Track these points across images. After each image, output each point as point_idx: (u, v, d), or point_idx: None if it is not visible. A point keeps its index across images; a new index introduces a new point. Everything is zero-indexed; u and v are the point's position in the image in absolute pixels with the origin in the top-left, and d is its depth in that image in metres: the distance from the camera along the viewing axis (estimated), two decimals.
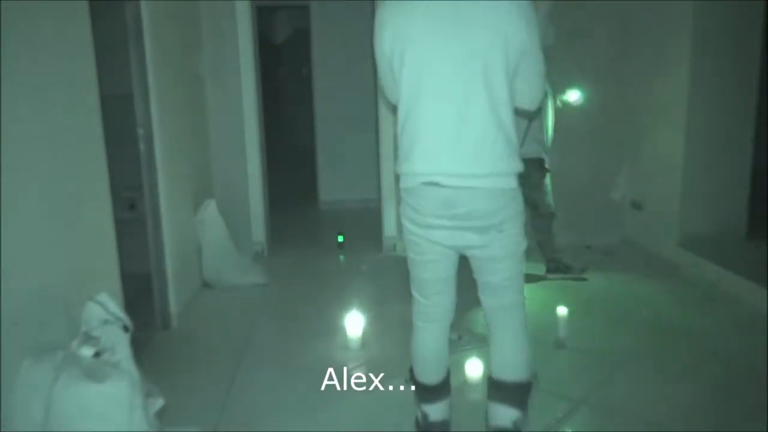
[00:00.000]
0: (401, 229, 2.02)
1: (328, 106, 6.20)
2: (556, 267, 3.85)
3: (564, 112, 4.01)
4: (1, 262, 1.73)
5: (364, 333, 3.02)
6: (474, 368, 2.59)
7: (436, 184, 1.79)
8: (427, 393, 2.05)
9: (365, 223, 5.35)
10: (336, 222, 5.60)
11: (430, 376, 2.04)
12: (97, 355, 1.84)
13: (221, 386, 2.65)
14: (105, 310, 1.97)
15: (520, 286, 1.97)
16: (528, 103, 1.88)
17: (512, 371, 1.96)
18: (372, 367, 2.83)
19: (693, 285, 3.72)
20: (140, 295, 3.17)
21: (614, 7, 4.41)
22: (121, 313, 2.01)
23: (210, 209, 3.96)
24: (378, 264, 4.42)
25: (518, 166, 1.82)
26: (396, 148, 2.00)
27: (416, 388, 2.09)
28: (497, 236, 1.84)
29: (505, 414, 1.96)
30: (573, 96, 3.81)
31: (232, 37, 4.38)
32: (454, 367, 2.69)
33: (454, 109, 1.74)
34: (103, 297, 2.00)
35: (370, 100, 5.53)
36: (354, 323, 2.99)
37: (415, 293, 2.06)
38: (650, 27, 4.34)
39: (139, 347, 2.40)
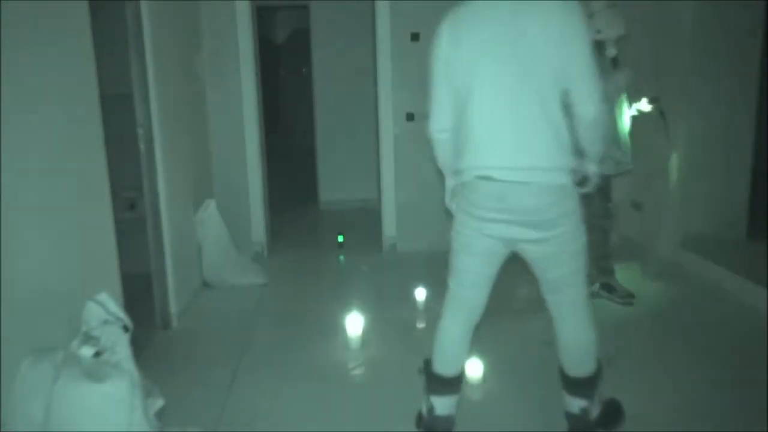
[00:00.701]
0: (453, 221, 2.11)
1: (328, 106, 6.19)
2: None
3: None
4: (1, 262, 1.73)
5: (364, 333, 3.02)
6: (474, 368, 2.59)
7: (489, 178, 1.90)
8: (439, 384, 2.10)
9: (365, 223, 5.35)
10: (336, 222, 5.60)
11: (447, 367, 2.10)
12: (97, 355, 1.84)
13: (221, 386, 2.65)
14: (105, 310, 1.98)
15: (581, 282, 2.02)
16: (588, 102, 1.88)
17: (577, 369, 2.08)
18: (372, 367, 2.83)
19: (693, 285, 3.72)
20: (140, 295, 3.17)
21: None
22: (121, 313, 2.01)
23: (210, 209, 3.96)
24: (378, 264, 4.43)
25: (569, 162, 1.89)
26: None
27: (429, 378, 2.13)
28: (551, 232, 1.90)
29: (573, 403, 2.12)
30: (645, 105, 3.66)
31: (232, 37, 4.38)
32: None
33: (504, 105, 1.86)
34: (103, 297, 2.00)
35: (370, 100, 5.53)
36: (354, 323, 2.99)
37: (451, 284, 2.14)
38: (650, 27, 4.34)
39: (139, 347, 2.40)
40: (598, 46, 3.32)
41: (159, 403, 2.03)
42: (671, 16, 4.09)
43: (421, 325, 3.33)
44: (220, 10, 4.34)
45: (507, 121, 1.86)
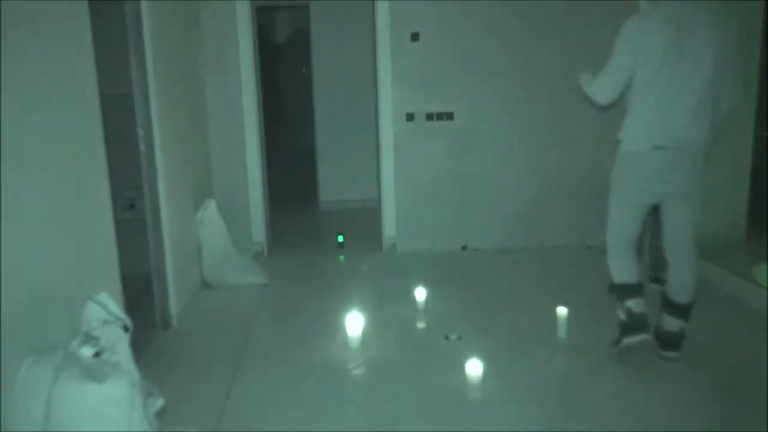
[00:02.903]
0: (613, 181, 2.75)
1: (328, 106, 6.19)
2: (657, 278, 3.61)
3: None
4: (1, 262, 1.73)
5: (364, 333, 3.02)
6: (474, 368, 2.59)
7: (662, 147, 2.55)
8: (629, 290, 2.75)
9: (365, 223, 5.35)
10: (336, 222, 5.60)
11: (630, 276, 2.76)
12: (97, 355, 1.84)
13: (221, 386, 2.65)
14: (105, 310, 1.98)
15: (696, 232, 2.69)
16: (733, 93, 2.60)
17: (685, 295, 2.72)
18: (372, 367, 2.83)
19: None
20: (140, 295, 3.17)
21: (614, 7, 4.41)
22: (121, 313, 2.02)
23: (210, 209, 3.96)
24: (378, 264, 4.43)
25: (712, 136, 2.58)
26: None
27: (619, 291, 2.79)
28: (691, 187, 2.61)
29: (675, 323, 2.74)
30: None
31: (232, 37, 4.38)
32: (454, 369, 2.71)
33: (678, 90, 2.50)
34: (103, 297, 2.00)
35: (370, 100, 5.53)
36: (354, 323, 2.99)
37: (614, 225, 2.78)
38: None
39: (139, 347, 2.41)
40: None
41: (159, 403, 2.03)
42: None
43: (421, 325, 3.33)
44: (220, 10, 4.34)
45: (680, 103, 2.50)
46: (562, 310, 3.06)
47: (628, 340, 2.72)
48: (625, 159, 2.68)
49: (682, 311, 2.73)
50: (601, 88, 2.68)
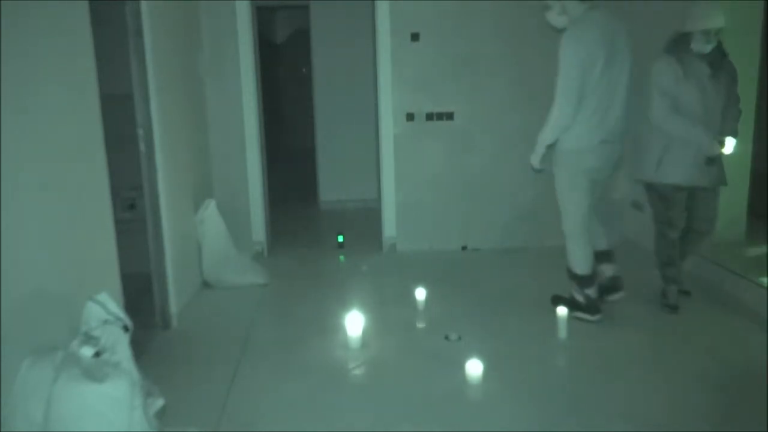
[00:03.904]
0: (562, 177, 3.17)
1: (328, 106, 6.19)
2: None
3: None
4: (1, 262, 1.73)
5: (364, 333, 3.02)
6: (474, 368, 2.59)
7: (608, 141, 3.03)
8: (589, 281, 3.20)
9: (365, 223, 5.35)
10: (336, 222, 5.60)
11: (587, 268, 3.19)
12: (97, 355, 1.85)
13: (221, 386, 2.65)
14: (105, 310, 1.98)
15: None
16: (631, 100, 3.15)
17: (599, 244, 3.26)
18: (372, 367, 2.83)
19: (693, 285, 3.72)
20: (140, 295, 3.17)
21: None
22: (121, 313, 2.02)
23: (210, 209, 3.96)
24: (378, 264, 4.43)
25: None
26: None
27: (581, 281, 3.20)
28: (616, 170, 3.21)
29: (610, 268, 3.32)
30: (729, 145, 3.23)
31: (232, 37, 4.38)
32: (454, 369, 2.71)
33: (612, 94, 2.97)
34: (103, 297, 2.01)
35: (370, 100, 5.53)
36: (354, 323, 2.99)
37: (572, 215, 3.18)
38: (648, 26, 4.34)
39: (139, 347, 2.41)
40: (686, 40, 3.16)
41: (159, 403, 2.03)
42: (670, 15, 4.08)
43: (421, 325, 3.33)
44: (220, 10, 4.34)
45: (613, 104, 2.99)
46: (562, 310, 3.06)
47: (584, 316, 3.20)
48: (573, 156, 3.06)
49: (608, 256, 3.32)
50: (564, 105, 2.96)
